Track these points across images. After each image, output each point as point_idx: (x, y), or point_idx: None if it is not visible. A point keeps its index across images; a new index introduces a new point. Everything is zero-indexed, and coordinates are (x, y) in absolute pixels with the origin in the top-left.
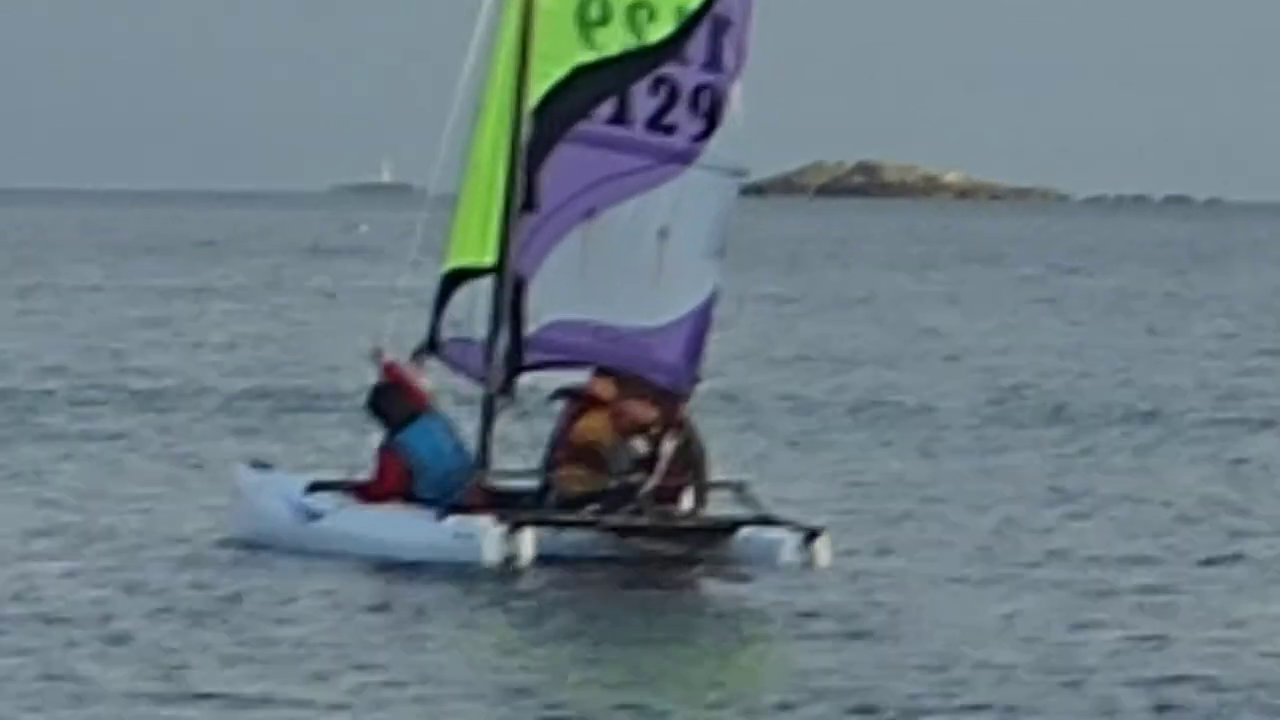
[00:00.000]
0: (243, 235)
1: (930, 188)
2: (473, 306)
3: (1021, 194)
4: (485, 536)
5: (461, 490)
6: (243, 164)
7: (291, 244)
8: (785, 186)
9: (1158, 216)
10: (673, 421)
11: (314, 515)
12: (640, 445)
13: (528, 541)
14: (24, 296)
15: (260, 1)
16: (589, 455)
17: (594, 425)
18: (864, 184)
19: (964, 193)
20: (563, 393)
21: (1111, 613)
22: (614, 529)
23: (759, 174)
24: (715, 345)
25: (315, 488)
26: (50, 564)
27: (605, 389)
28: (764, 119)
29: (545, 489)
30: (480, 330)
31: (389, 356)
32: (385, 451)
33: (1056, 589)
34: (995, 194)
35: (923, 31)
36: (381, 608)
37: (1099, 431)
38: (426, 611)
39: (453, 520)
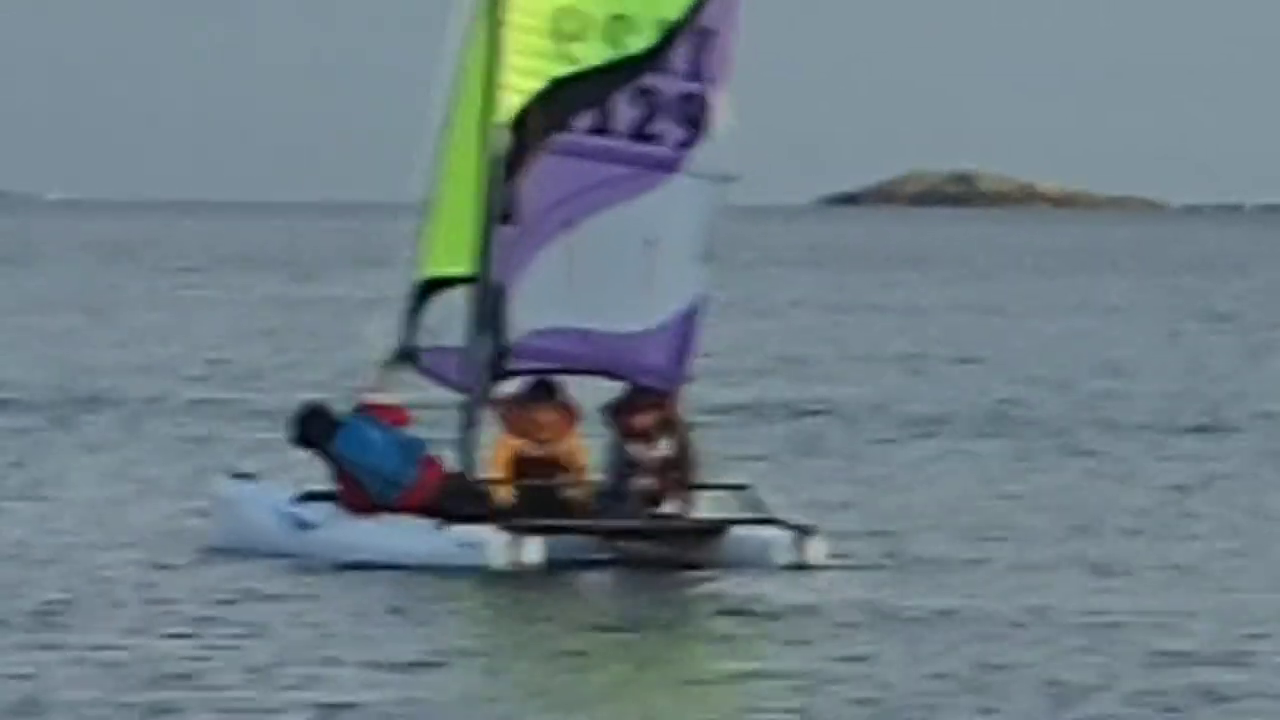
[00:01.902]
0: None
1: (1026, 197)
2: (449, 315)
3: (1117, 203)
4: (491, 545)
5: (407, 480)
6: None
7: None
8: (880, 195)
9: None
10: (668, 424)
11: (305, 525)
12: (638, 450)
13: (534, 549)
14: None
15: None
16: (516, 471)
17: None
18: (960, 193)
19: (1060, 202)
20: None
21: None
22: (608, 532)
23: (854, 182)
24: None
25: (306, 498)
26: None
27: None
28: (859, 128)
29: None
30: (458, 339)
31: (370, 398)
32: (334, 468)
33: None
34: (1091, 203)
35: (1017, 40)
36: (370, 611)
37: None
38: (413, 616)
39: (456, 530)
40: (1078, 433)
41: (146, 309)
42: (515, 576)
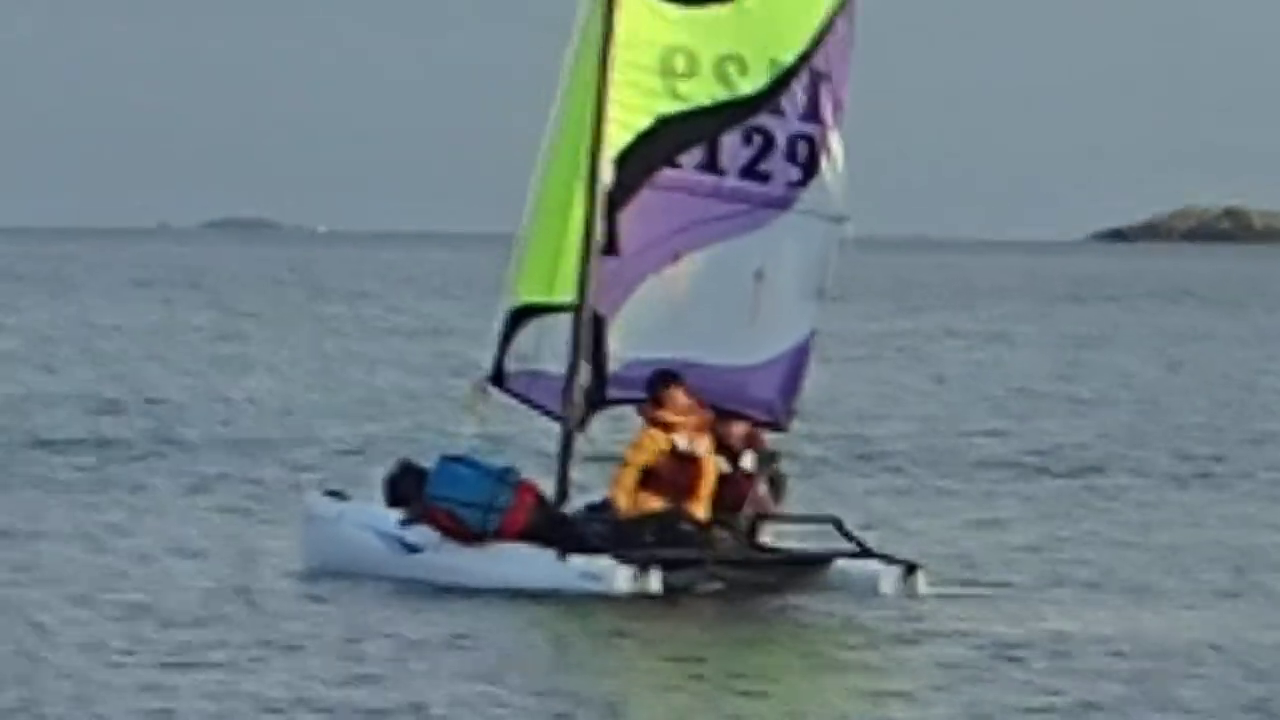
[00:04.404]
0: None
1: None
2: (540, 341)
3: None
4: (614, 577)
5: (504, 504)
6: None
7: None
8: (1150, 232)
9: None
10: (752, 438)
11: (412, 548)
12: (722, 463)
13: (656, 580)
14: None
15: None
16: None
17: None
18: (1231, 229)
19: None
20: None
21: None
22: (717, 562)
23: (1125, 219)
24: None
25: (410, 520)
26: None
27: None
28: (1132, 165)
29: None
30: (548, 364)
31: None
32: (430, 512)
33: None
34: None
35: None
36: (462, 638)
37: None
38: (511, 643)
39: (578, 560)
40: None
41: None
42: (623, 602)
